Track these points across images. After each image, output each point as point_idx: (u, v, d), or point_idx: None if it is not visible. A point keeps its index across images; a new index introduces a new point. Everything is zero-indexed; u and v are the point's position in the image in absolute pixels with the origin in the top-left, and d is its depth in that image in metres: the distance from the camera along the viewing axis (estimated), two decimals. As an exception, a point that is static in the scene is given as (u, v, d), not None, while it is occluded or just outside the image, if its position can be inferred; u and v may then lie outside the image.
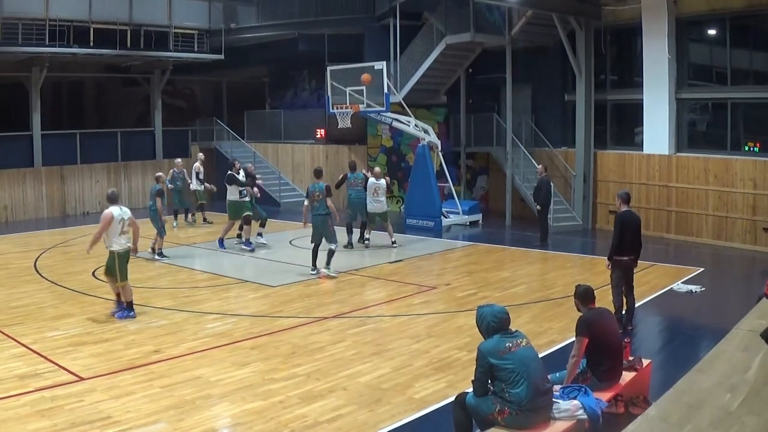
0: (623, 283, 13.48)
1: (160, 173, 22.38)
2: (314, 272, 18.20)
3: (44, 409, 9.63)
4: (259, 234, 22.37)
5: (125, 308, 14.22)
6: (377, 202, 21.65)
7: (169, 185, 25.17)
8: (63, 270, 19.36)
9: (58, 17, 28.43)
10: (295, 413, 9.53)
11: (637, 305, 13.97)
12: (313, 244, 18.30)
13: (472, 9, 26.33)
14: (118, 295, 14.37)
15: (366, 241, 22.20)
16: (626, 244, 13.33)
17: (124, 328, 13.59)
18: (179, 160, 27.10)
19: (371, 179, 21.88)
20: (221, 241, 21.76)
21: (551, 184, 23.41)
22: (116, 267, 14.06)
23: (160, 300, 15.74)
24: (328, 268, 18.00)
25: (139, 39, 31.21)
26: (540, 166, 23.79)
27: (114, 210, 14.11)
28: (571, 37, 25.09)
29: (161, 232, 20.83)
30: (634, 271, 13.76)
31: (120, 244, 14.15)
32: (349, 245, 21.86)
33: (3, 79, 31.51)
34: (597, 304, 9.23)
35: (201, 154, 28.64)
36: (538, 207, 22.95)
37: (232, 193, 21.69)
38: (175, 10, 32.45)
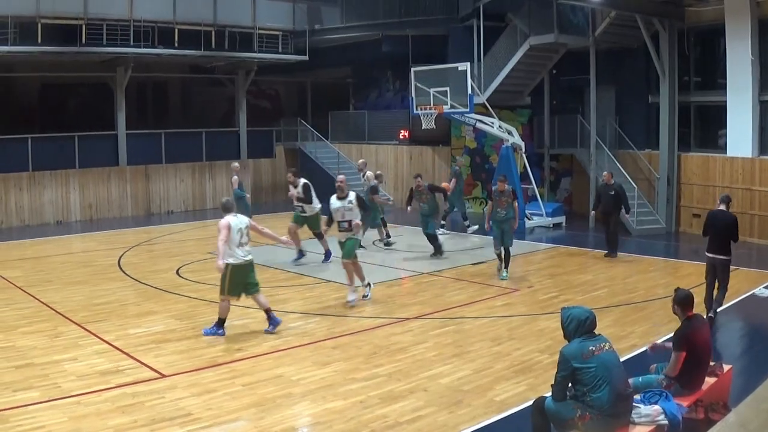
0: (709, 277, 13.93)
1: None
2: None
3: (125, 405, 9.84)
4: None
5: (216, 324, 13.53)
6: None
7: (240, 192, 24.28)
8: (147, 268, 19.72)
9: (142, 18, 29.01)
10: (375, 413, 9.63)
11: (717, 311, 14.08)
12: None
13: (555, 10, 26.14)
14: (267, 310, 13.69)
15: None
16: (710, 242, 13.76)
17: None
18: (236, 164, 25.96)
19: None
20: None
21: (614, 192, 21.32)
22: (225, 279, 13.28)
23: (243, 299, 15.94)
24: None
25: (224, 40, 31.61)
26: (605, 173, 22.27)
27: (231, 220, 13.28)
28: (655, 39, 24.78)
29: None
30: (728, 272, 14.02)
31: (236, 256, 13.22)
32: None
33: (88, 80, 32.30)
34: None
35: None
36: (596, 215, 22.56)
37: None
38: (259, 11, 32.81)
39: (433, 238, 21.26)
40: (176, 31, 30.08)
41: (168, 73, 36.37)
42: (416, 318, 14.54)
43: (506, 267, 18.37)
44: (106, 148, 30.68)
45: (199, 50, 30.87)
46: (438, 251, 21.11)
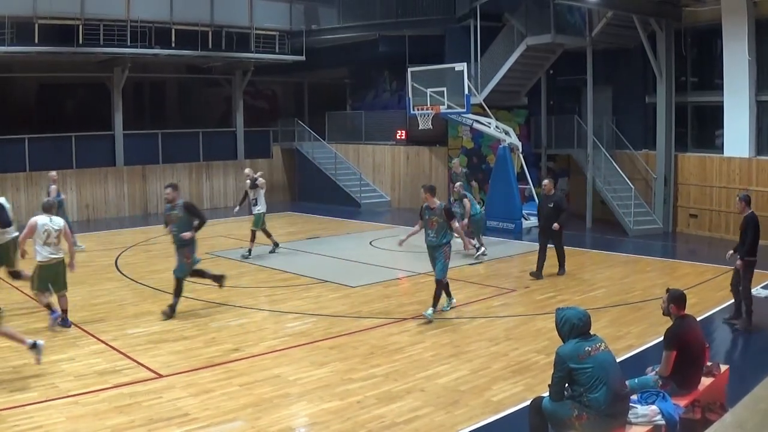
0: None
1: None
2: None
3: (122, 405, 9.85)
4: None
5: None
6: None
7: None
8: (144, 268, 19.70)
9: (139, 18, 29.06)
10: (372, 413, 9.64)
11: (715, 311, 14.50)
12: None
13: (552, 10, 26.11)
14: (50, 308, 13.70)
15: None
16: (755, 245, 13.79)
17: (204, 326, 13.87)
18: (53, 173, 22.80)
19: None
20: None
21: (553, 204, 18.46)
22: (35, 275, 13.64)
23: (240, 299, 15.98)
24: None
25: (221, 40, 31.67)
26: (546, 181, 19.21)
27: (40, 219, 13.40)
28: (652, 39, 24.80)
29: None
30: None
31: (42, 255, 13.35)
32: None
33: (85, 80, 32.33)
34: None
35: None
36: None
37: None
38: (256, 12, 32.91)
39: (178, 288, 14.92)
40: (173, 31, 30.14)
41: (165, 74, 36.41)
42: (413, 318, 14.51)
43: (434, 304, 14.38)
44: (103, 149, 30.73)
45: (196, 50, 30.90)
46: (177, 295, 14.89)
